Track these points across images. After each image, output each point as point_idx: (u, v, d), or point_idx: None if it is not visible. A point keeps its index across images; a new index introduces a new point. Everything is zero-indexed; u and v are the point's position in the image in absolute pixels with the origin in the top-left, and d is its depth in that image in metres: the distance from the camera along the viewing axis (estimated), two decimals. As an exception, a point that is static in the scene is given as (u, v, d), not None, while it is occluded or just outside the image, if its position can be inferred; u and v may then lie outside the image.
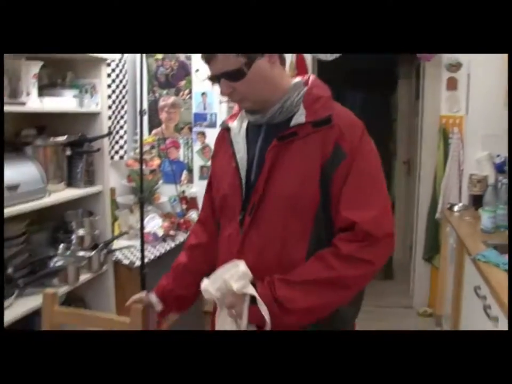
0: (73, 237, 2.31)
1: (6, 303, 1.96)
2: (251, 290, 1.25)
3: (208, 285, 1.29)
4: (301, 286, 1.24)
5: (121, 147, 3.38)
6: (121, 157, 3.37)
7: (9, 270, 2.00)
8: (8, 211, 1.93)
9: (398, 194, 5.45)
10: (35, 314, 2.09)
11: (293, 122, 1.28)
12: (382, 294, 4.55)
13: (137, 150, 3.42)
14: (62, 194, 2.28)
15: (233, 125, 1.41)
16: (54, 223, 2.44)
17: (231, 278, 1.26)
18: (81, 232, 2.34)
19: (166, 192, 3.47)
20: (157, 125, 3.68)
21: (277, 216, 1.29)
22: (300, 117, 1.28)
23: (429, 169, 3.89)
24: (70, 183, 2.41)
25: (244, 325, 1.26)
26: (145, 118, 3.59)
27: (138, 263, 2.63)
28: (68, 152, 2.37)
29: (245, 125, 1.40)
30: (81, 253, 2.31)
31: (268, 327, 1.23)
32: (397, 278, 4.96)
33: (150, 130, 3.67)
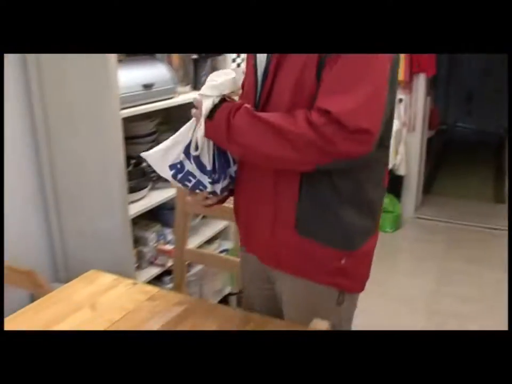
0: (198, 137, 2.43)
1: (141, 194, 2.16)
2: (204, 103, 1.27)
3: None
4: (259, 124, 1.21)
5: (238, 55, 3.43)
6: (238, 65, 3.43)
7: (144, 165, 2.17)
8: (143, 108, 2.07)
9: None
10: (161, 207, 2.29)
11: None
12: (491, 216, 4.45)
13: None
14: (188, 95, 2.39)
15: None
16: (180, 124, 2.57)
17: (207, 83, 1.30)
18: (204, 133, 2.45)
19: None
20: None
21: (280, 110, 1.26)
22: None
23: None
24: (195, 86, 2.51)
25: (200, 132, 1.30)
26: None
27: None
28: (194, 56, 2.45)
29: None
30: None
31: (199, 139, 1.29)
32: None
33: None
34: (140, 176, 2.13)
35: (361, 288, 1.44)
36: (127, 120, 2.02)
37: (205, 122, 1.28)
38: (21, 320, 1.48)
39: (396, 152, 4.03)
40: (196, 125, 1.34)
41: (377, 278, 3.30)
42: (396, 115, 3.93)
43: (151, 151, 1.43)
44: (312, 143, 1.16)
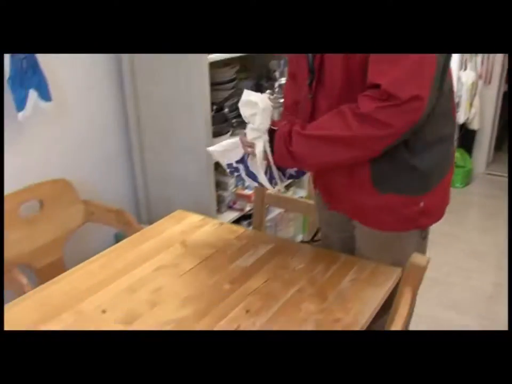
0: (276, 84, 2.43)
1: (223, 139, 2.18)
2: (257, 146, 1.35)
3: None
4: (316, 141, 1.26)
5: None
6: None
7: (225, 110, 2.21)
8: (224, 55, 2.10)
9: None
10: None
11: None
12: None
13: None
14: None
15: None
16: (258, 71, 2.59)
17: (248, 128, 1.37)
18: (283, 80, 2.45)
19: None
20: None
21: (335, 76, 1.29)
22: None
23: None
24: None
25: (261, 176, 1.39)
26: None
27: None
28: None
29: None
30: (282, 100, 2.43)
31: (263, 181, 1.39)
32: None
33: None
34: (221, 121, 2.17)
35: (442, 215, 1.46)
36: (210, 66, 2.05)
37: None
38: (119, 252, 1.57)
39: (470, 106, 3.91)
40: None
41: (447, 232, 3.28)
42: (472, 67, 3.81)
43: (214, 147, 1.52)
44: (371, 136, 1.20)
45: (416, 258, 1.16)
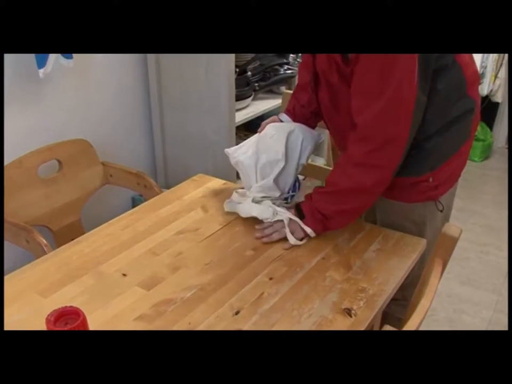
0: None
1: (245, 103, 2.16)
2: (284, 218, 1.40)
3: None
4: (331, 195, 1.34)
5: None
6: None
7: (248, 74, 2.16)
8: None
9: None
10: (257, 118, 2.28)
11: None
12: None
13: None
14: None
15: None
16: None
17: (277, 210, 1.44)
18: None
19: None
20: None
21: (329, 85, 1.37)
22: None
23: None
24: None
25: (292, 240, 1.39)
26: None
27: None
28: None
29: None
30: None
31: (312, 234, 1.39)
32: None
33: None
34: (244, 85, 2.12)
35: (453, 184, 1.46)
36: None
37: (303, 222, 1.39)
38: (139, 215, 1.56)
39: (495, 77, 3.80)
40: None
41: (463, 207, 3.23)
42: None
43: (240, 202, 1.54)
44: (374, 181, 1.28)
45: (449, 229, 1.13)
